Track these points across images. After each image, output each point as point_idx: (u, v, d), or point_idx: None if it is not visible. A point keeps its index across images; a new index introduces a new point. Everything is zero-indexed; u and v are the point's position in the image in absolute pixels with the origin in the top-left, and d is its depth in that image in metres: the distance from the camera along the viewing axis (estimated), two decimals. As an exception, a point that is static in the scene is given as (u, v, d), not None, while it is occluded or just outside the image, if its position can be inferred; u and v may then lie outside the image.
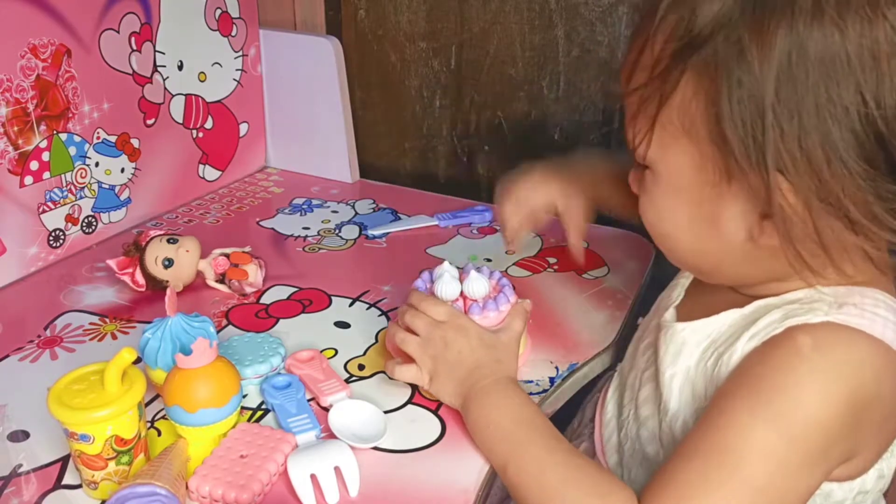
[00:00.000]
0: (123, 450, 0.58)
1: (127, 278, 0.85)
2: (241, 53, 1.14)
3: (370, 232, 1.02)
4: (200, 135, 1.11)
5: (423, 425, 0.67)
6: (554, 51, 1.07)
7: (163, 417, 0.66)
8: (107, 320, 0.82)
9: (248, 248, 0.88)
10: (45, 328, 0.81)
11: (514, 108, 1.13)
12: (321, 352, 0.75)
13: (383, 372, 0.73)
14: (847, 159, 0.47)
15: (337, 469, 0.60)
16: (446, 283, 0.71)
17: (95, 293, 0.87)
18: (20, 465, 0.62)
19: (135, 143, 1.01)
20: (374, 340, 0.79)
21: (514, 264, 0.93)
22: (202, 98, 1.10)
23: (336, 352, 0.77)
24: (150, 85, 1.01)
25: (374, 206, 1.11)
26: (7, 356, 0.76)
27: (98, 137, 0.96)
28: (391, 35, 1.18)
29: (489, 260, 0.95)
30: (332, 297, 0.86)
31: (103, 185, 0.98)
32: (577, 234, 0.82)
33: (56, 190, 0.92)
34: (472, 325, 0.68)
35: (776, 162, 0.48)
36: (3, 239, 0.87)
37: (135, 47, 0.98)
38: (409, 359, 0.69)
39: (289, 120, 1.20)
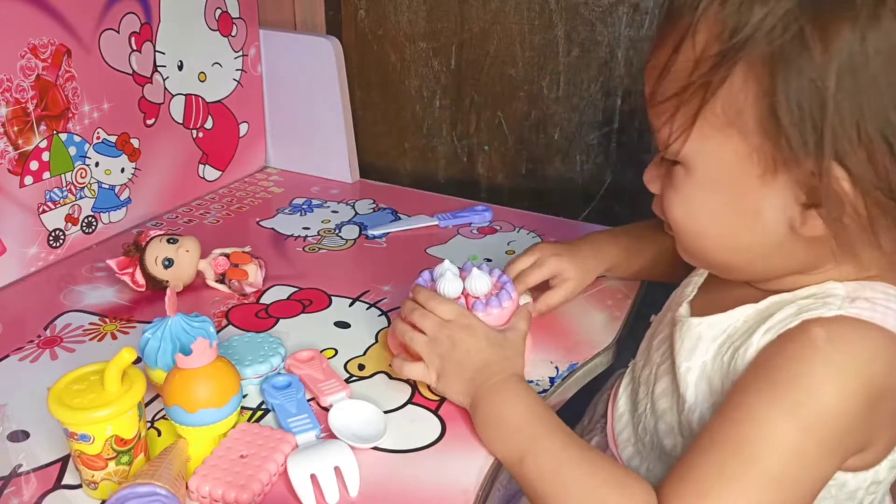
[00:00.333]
0: (123, 450, 0.58)
1: (127, 278, 0.85)
2: (241, 53, 1.14)
3: (370, 232, 1.02)
4: (200, 135, 1.11)
5: (423, 425, 0.67)
6: (554, 51, 1.07)
7: (163, 417, 0.66)
8: (107, 320, 0.82)
9: (248, 248, 0.88)
10: (45, 328, 0.81)
11: (514, 108, 1.13)
12: (321, 352, 0.75)
13: (383, 372, 0.73)
14: None
15: (337, 469, 0.60)
16: (449, 281, 0.71)
17: (95, 293, 0.87)
18: (20, 465, 0.62)
19: (135, 143, 1.01)
20: (374, 340, 0.79)
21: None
22: (202, 98, 1.10)
23: (336, 352, 0.77)
24: (150, 85, 1.01)
25: (374, 206, 1.11)
26: (7, 356, 0.76)
27: (98, 137, 0.96)
28: (391, 35, 1.18)
29: (489, 260, 0.95)
30: (332, 297, 0.86)
31: (103, 185, 0.98)
32: (548, 305, 0.80)
33: (56, 190, 0.92)
34: (479, 323, 0.68)
35: (834, 149, 0.49)
36: (3, 239, 0.87)
37: (135, 47, 0.98)
38: (413, 355, 0.69)
39: (289, 120, 1.20)
